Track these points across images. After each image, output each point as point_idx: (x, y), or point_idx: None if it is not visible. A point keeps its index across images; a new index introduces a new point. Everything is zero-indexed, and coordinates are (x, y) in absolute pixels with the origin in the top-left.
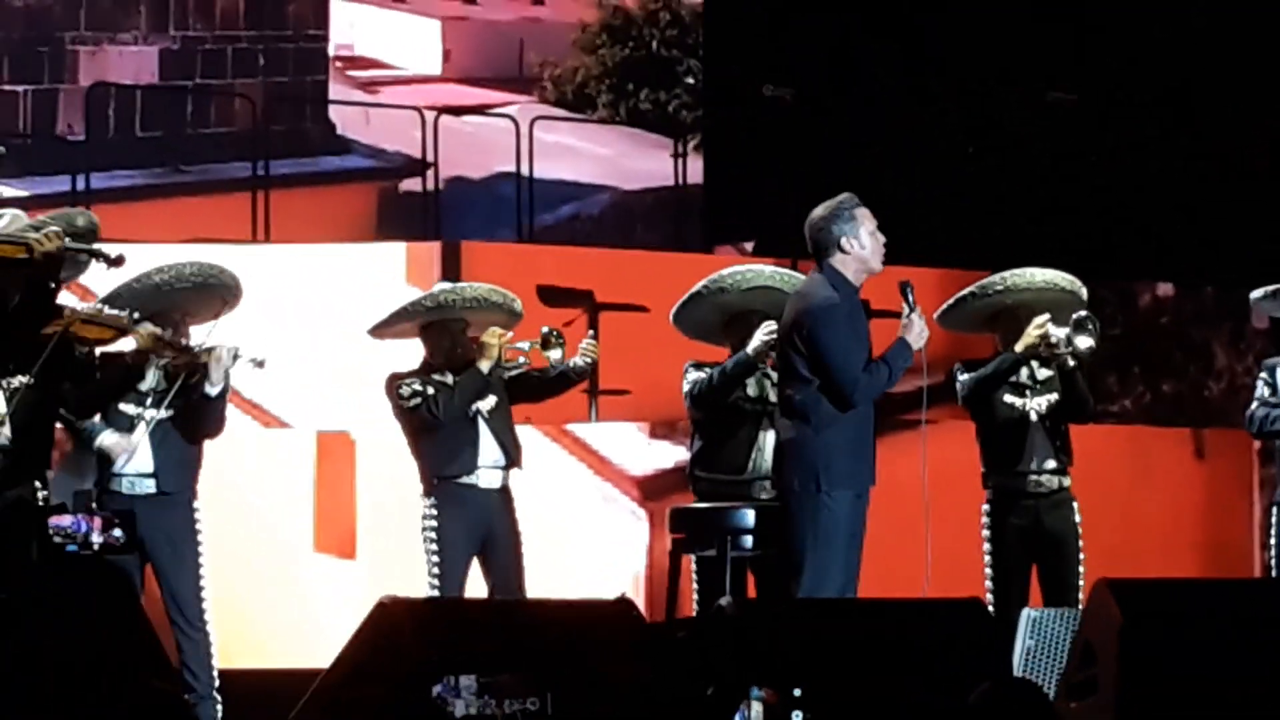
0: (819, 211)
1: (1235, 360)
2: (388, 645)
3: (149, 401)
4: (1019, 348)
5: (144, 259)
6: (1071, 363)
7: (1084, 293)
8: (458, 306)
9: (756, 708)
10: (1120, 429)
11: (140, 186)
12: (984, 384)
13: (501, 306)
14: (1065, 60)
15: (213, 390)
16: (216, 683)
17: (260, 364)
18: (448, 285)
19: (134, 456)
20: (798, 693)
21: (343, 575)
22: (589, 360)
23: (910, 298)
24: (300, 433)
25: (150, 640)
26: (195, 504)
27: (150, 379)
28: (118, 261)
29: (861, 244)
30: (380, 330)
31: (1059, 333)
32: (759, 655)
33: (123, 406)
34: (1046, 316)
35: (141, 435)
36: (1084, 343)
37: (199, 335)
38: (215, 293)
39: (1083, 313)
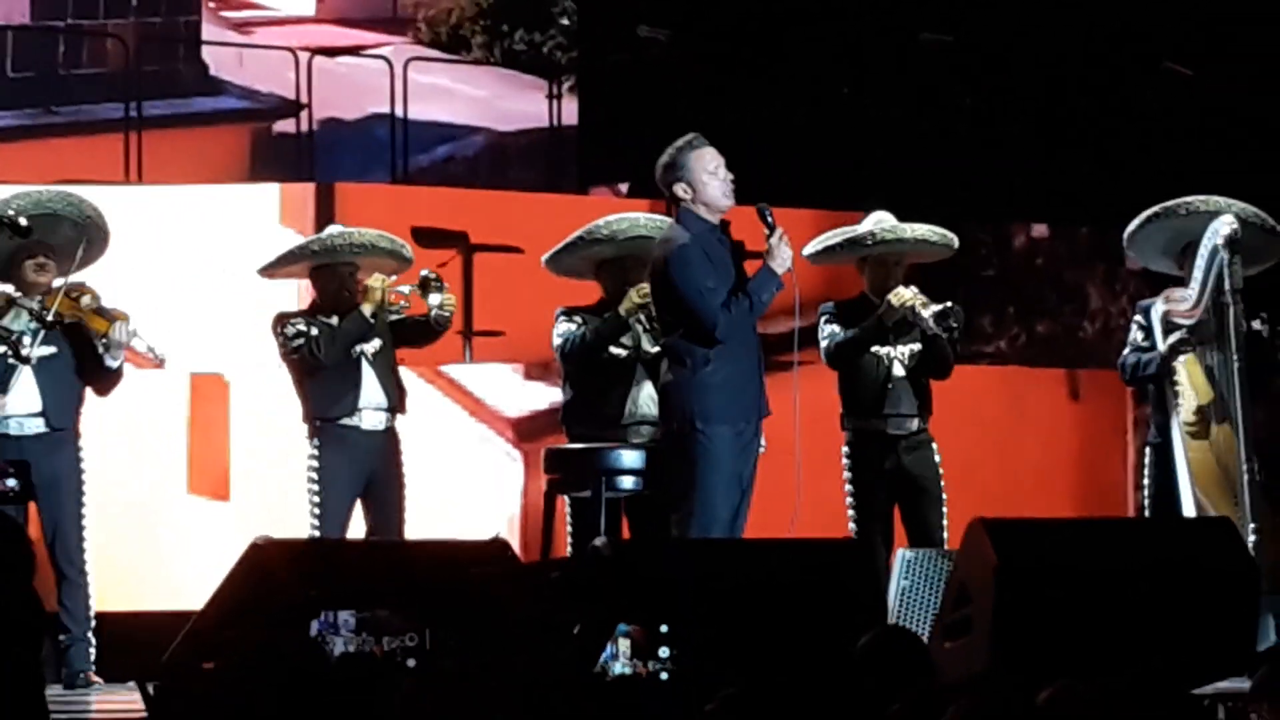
0: (661, 158)
1: (1109, 301)
2: (262, 585)
3: (25, 340)
4: (885, 317)
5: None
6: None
7: (954, 243)
8: (346, 250)
9: (624, 644)
10: (995, 370)
11: (11, 127)
12: (845, 347)
13: (391, 252)
14: (940, 1)
15: (113, 363)
16: (93, 624)
17: (160, 362)
18: (338, 229)
19: (20, 395)
20: (664, 629)
21: (216, 517)
22: (445, 309)
23: (769, 220)
24: (173, 374)
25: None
26: (80, 441)
27: (20, 320)
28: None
29: (698, 187)
30: (270, 270)
31: (923, 311)
32: (631, 594)
33: None
34: (914, 291)
35: (14, 379)
36: (944, 331)
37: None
38: (79, 228)
39: (949, 304)
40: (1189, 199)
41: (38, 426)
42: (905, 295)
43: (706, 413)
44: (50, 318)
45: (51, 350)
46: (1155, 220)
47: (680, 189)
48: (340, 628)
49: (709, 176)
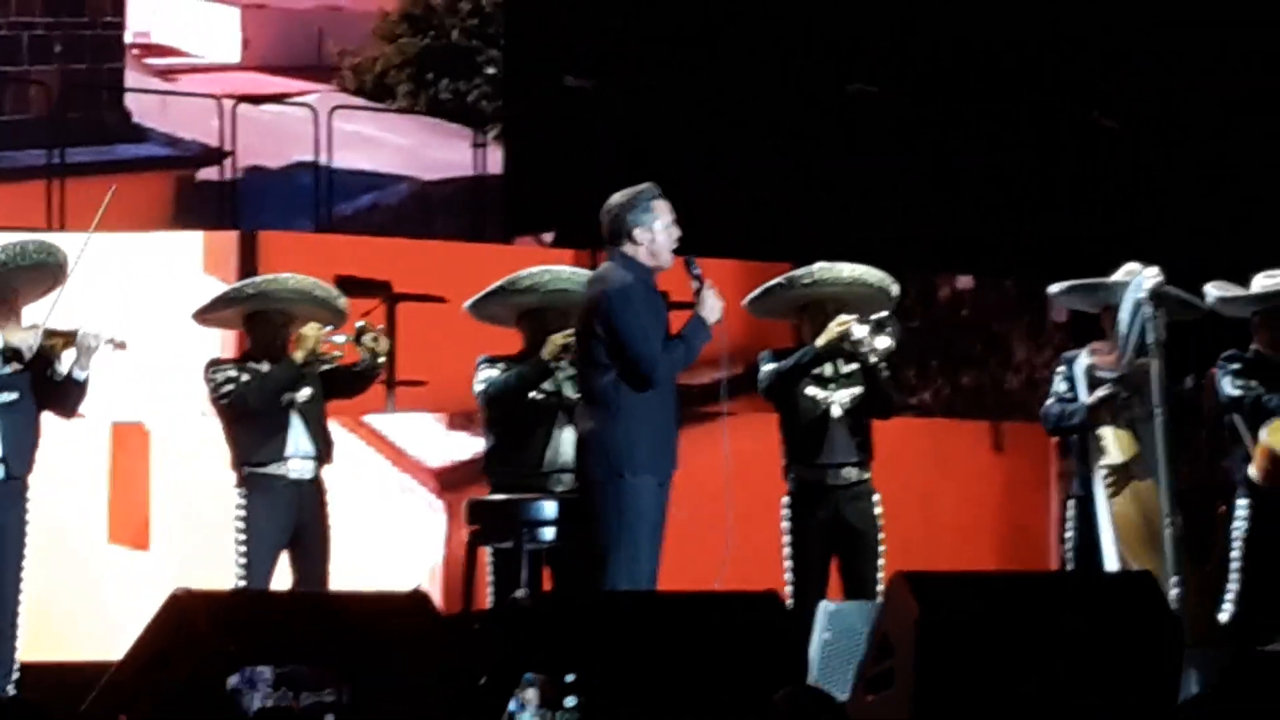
0: (616, 198)
1: (1034, 353)
2: (182, 637)
3: None
4: (820, 343)
5: None
6: (873, 359)
7: (894, 289)
8: (279, 297)
9: (530, 693)
10: (919, 422)
11: None
12: (784, 377)
13: (325, 301)
14: (868, 53)
15: (81, 374)
16: (15, 675)
17: (121, 345)
18: (271, 275)
19: None
20: (570, 678)
21: (136, 566)
22: (372, 353)
23: (696, 272)
24: (94, 423)
25: None
26: (29, 494)
27: None
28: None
29: (656, 235)
30: (203, 315)
31: (860, 330)
32: (548, 646)
33: None
34: (851, 316)
35: None
36: (882, 343)
37: (35, 315)
38: (49, 272)
39: (883, 314)
40: (1107, 279)
41: None
42: (841, 318)
43: (634, 463)
44: (29, 354)
45: (13, 396)
46: (1075, 291)
47: (639, 232)
48: (258, 682)
49: (663, 229)
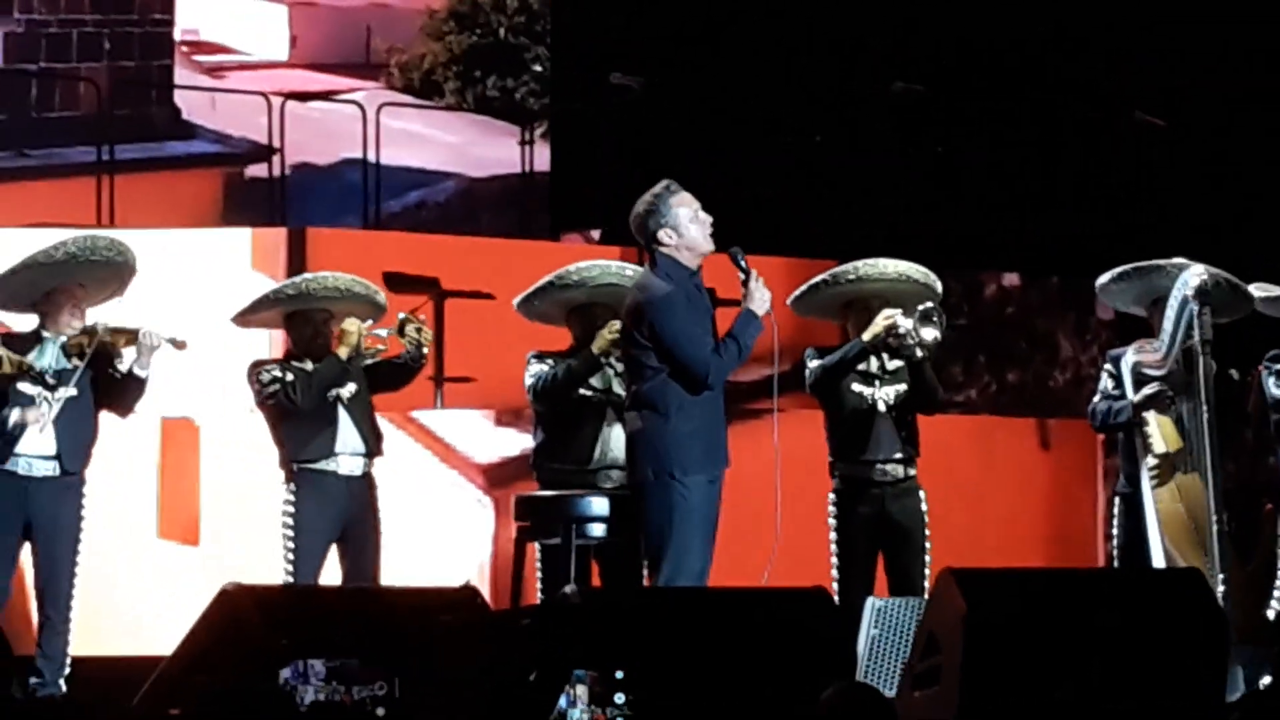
0: (637, 206)
1: (1080, 351)
2: (231, 632)
3: (50, 381)
4: (866, 337)
5: None
6: (919, 354)
7: (938, 285)
8: (320, 295)
9: (580, 690)
10: (966, 419)
11: None
12: (831, 372)
13: (364, 298)
14: (912, 51)
15: (143, 373)
16: (67, 670)
17: (182, 345)
18: (311, 274)
19: (34, 436)
20: (620, 675)
21: (186, 562)
22: (417, 344)
23: (742, 264)
24: (144, 418)
25: None
26: (85, 489)
27: (49, 357)
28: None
29: (683, 231)
30: (244, 318)
31: (906, 323)
32: (597, 643)
33: (22, 387)
34: (896, 310)
35: (49, 413)
36: (929, 334)
37: (98, 313)
38: (119, 270)
39: (928, 304)
40: (1159, 261)
41: (48, 470)
42: (886, 311)
43: (684, 463)
44: (90, 350)
45: (72, 393)
46: (1126, 278)
47: (664, 234)
48: (310, 676)
49: (691, 220)
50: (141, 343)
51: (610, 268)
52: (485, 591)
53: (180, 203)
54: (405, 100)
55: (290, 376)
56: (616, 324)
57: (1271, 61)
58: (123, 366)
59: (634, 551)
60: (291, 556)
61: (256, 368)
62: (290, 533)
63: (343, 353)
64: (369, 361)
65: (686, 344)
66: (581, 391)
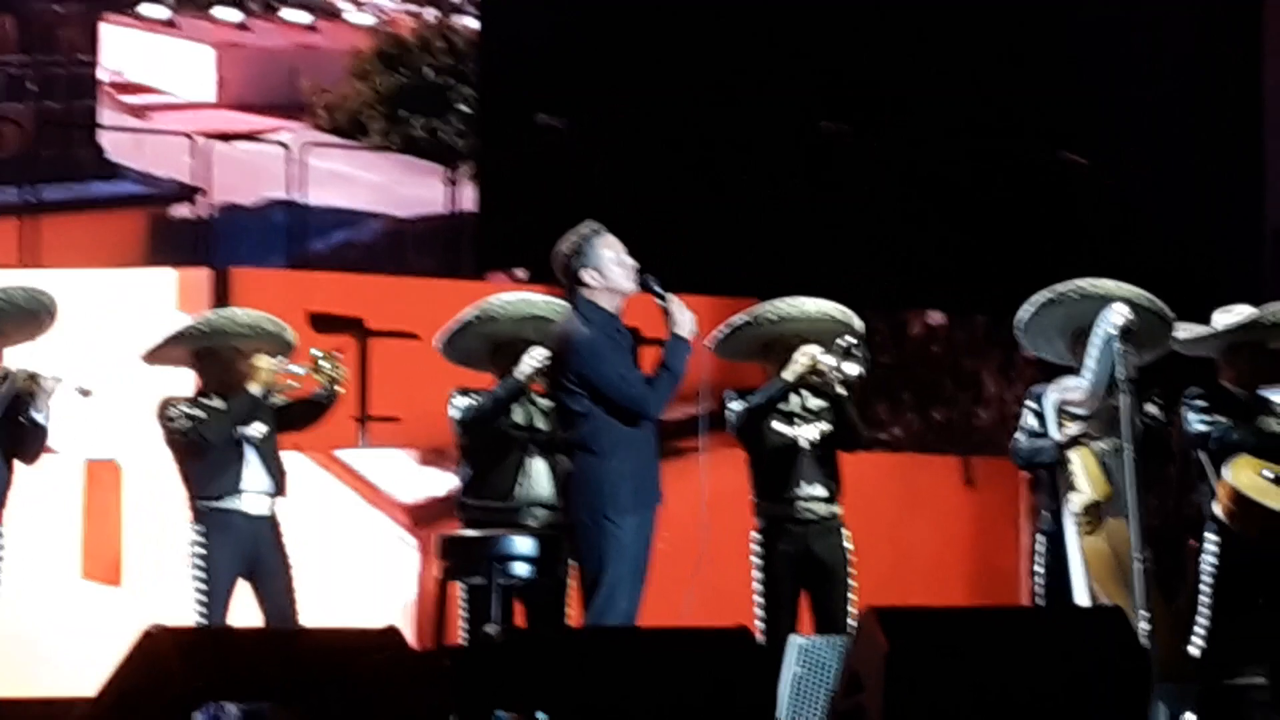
0: (560, 245)
1: (1005, 389)
2: (154, 673)
3: None
4: (788, 375)
5: None
6: (842, 391)
7: (857, 323)
8: (229, 332)
9: None
10: (890, 457)
11: None
12: (755, 412)
13: (274, 335)
14: (839, 88)
15: (41, 417)
16: None
17: (87, 393)
18: (218, 311)
19: None
20: (542, 716)
21: (109, 603)
22: (331, 380)
23: (656, 289)
24: (67, 459)
25: None
26: (1, 530)
27: None
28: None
29: (605, 273)
30: (153, 355)
31: (828, 360)
32: (520, 683)
33: None
34: (815, 347)
35: None
36: (852, 369)
37: (9, 359)
38: (37, 318)
39: (851, 339)
40: (1079, 282)
41: None
42: (804, 348)
43: (618, 503)
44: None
45: None
46: (1047, 307)
47: (587, 275)
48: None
49: (614, 262)
50: (42, 385)
51: (534, 300)
52: (410, 632)
53: (105, 243)
54: (331, 140)
55: (200, 413)
56: (541, 350)
57: (1193, 102)
58: (36, 415)
59: (558, 591)
60: (203, 597)
61: (165, 405)
62: (200, 573)
63: (254, 389)
64: (280, 400)
65: (620, 383)
66: (504, 425)
